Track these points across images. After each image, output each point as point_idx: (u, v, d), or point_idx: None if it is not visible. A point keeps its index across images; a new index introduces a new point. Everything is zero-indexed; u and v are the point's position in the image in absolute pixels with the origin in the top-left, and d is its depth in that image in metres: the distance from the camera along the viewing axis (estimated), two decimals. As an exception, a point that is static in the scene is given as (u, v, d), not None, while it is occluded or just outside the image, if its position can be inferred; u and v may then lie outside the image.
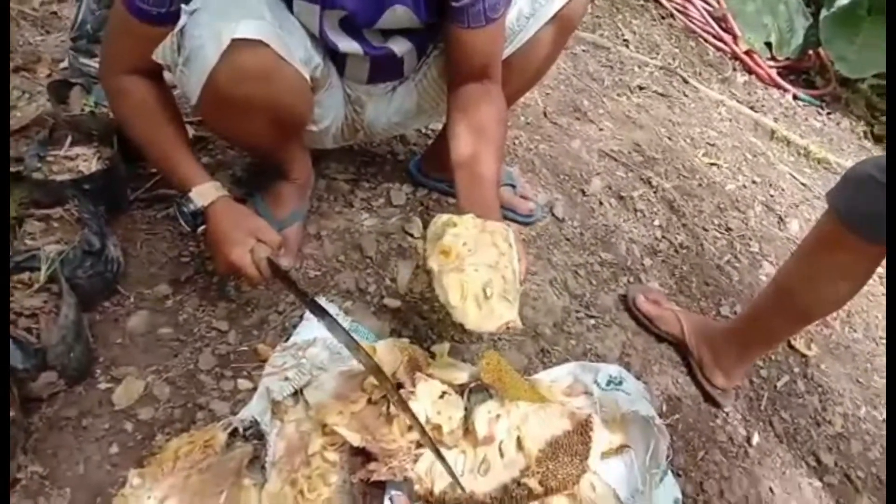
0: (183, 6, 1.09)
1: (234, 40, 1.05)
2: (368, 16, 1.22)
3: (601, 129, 2.16)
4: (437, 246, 1.12)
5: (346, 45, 1.27)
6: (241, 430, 1.11)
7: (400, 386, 1.09)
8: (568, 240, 1.75)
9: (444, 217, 1.16)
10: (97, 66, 1.56)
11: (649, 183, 2.01)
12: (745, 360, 1.53)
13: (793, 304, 1.39)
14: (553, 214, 1.79)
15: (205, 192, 1.20)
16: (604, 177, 1.96)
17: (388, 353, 1.12)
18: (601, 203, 1.89)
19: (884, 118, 3.41)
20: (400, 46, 1.33)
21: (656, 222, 1.91)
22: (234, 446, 1.09)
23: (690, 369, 1.56)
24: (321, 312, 1.13)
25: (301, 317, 1.34)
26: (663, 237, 1.88)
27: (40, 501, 1.05)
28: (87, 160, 1.41)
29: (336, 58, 1.33)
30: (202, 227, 1.21)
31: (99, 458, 1.11)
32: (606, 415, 1.22)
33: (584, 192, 1.89)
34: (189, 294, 1.37)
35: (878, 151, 3.11)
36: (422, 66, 1.45)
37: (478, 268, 1.09)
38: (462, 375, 1.19)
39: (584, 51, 2.50)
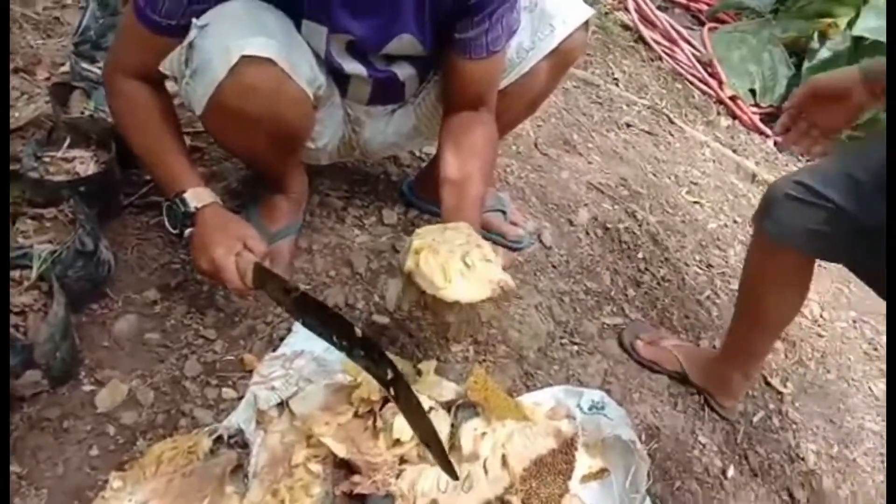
0: (193, 20, 1.11)
1: (242, 56, 1.08)
2: (375, 42, 1.25)
3: (589, 163, 2.21)
4: (409, 252, 1.13)
5: (351, 67, 1.30)
6: (225, 437, 1.11)
7: (387, 401, 1.10)
8: (554, 267, 1.78)
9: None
10: (98, 71, 1.57)
11: (634, 217, 2.05)
12: (748, 378, 1.62)
13: (756, 316, 1.49)
14: (541, 242, 1.82)
15: (200, 195, 1.21)
16: (591, 208, 2.00)
17: (378, 366, 1.13)
18: (587, 233, 1.92)
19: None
20: (403, 71, 1.36)
21: (640, 255, 1.95)
22: (218, 453, 1.09)
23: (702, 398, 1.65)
24: (313, 309, 1.08)
25: (289, 329, 1.34)
26: (646, 269, 1.91)
27: (16, 502, 1.04)
28: (83, 163, 1.42)
29: (339, 78, 1.35)
30: (189, 230, 1.20)
31: (79, 460, 1.11)
32: (588, 439, 1.23)
33: (571, 222, 1.93)
34: (177, 301, 1.37)
35: (854, 200, 3.19)
36: (422, 90, 1.48)
37: (452, 248, 1.11)
38: (448, 393, 1.21)
39: (575, 87, 2.56)
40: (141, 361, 1.27)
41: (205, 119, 1.22)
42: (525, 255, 1.76)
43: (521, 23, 1.33)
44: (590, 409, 1.30)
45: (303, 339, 1.29)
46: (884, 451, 1.89)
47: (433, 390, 1.20)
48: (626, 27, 3.18)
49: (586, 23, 1.42)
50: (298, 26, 1.22)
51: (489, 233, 1.72)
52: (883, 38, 2.80)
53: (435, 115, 1.48)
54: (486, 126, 1.36)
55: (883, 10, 2.84)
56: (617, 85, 2.71)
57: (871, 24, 2.85)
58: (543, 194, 1.98)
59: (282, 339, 1.34)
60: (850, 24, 3.15)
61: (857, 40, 2.97)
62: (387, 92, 1.41)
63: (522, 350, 1.52)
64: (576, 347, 1.60)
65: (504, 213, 1.75)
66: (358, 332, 1.01)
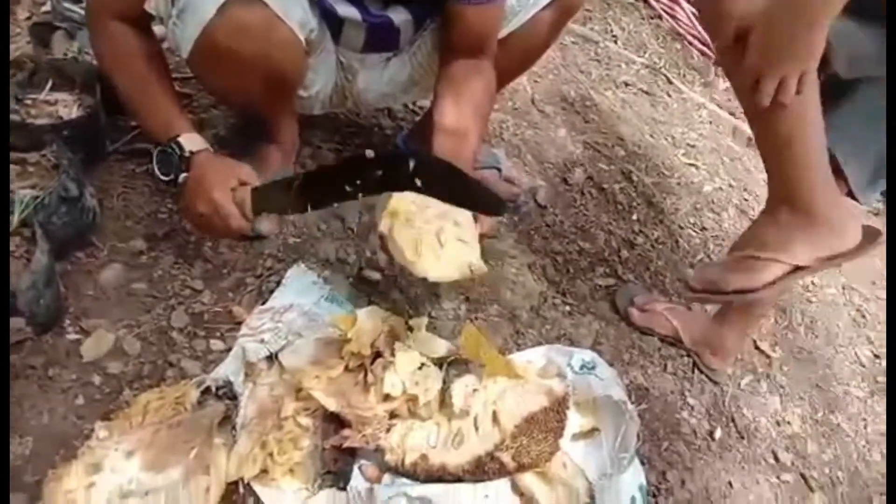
0: None
1: None
2: None
3: (586, 121, 2.17)
4: (384, 211, 1.11)
5: (345, 9, 1.26)
6: (213, 388, 1.10)
7: (379, 355, 1.09)
8: (549, 227, 1.76)
9: None
10: (82, 11, 1.51)
11: (630, 178, 2.03)
12: (743, 337, 1.63)
13: None
14: (535, 201, 1.80)
15: (194, 140, 1.18)
16: (586, 168, 1.97)
17: (369, 321, 1.12)
18: (583, 193, 1.90)
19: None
20: (398, 16, 1.32)
21: (634, 216, 1.93)
22: (205, 404, 1.08)
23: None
24: (320, 180, 1.09)
25: (279, 282, 1.32)
26: (640, 231, 1.90)
27: (-1, 449, 1.02)
28: (66, 106, 1.38)
29: (332, 23, 1.31)
30: (184, 176, 1.17)
31: (64, 409, 1.09)
32: (579, 398, 1.23)
33: (566, 182, 1.90)
34: (165, 251, 1.34)
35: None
36: (417, 38, 1.43)
37: (428, 220, 1.09)
38: (440, 349, 1.19)
39: (573, 43, 2.51)
40: (127, 311, 1.24)
41: (192, 61, 1.17)
42: (520, 214, 1.74)
43: None
44: (581, 368, 1.29)
45: (293, 293, 1.27)
46: (867, 417, 1.92)
47: (425, 346, 1.18)
48: (635, -16, 3.12)
49: None
50: None
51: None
52: None
53: (432, 66, 1.44)
54: (485, 75, 1.33)
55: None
56: (616, 42, 2.65)
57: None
58: (539, 152, 1.95)
59: (271, 292, 1.32)
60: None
61: None
62: (381, 39, 1.37)
63: (515, 309, 1.50)
64: (568, 308, 1.59)
65: (499, 170, 1.73)
66: (368, 153, 1.02)
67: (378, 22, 1.30)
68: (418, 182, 1.02)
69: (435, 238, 1.07)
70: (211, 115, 1.61)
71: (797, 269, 1.31)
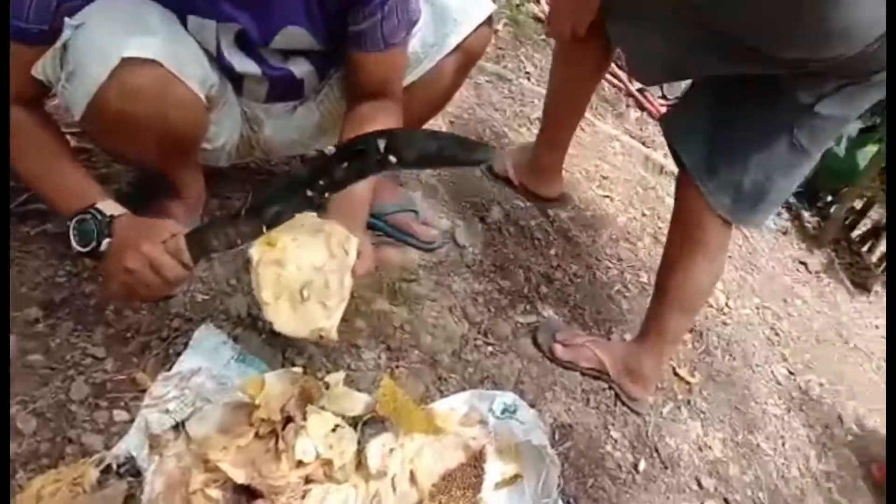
0: (67, 19, 1.02)
1: (123, 59, 1.00)
2: (262, 33, 1.19)
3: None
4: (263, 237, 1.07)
5: (244, 64, 1.24)
6: (114, 466, 1.03)
7: (290, 419, 1.05)
8: (468, 267, 1.76)
9: None
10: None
11: (546, 213, 2.06)
12: (660, 363, 1.67)
13: (667, 294, 1.58)
14: (454, 241, 1.80)
15: (112, 205, 1.12)
16: (503, 205, 1.99)
17: (279, 384, 1.08)
18: (500, 231, 1.91)
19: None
20: (300, 68, 1.31)
21: (552, 251, 1.96)
22: (106, 484, 1.01)
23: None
24: (271, 199, 1.05)
25: (186, 344, 1.27)
26: (559, 266, 1.92)
27: None
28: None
29: (233, 77, 1.28)
30: (108, 241, 1.09)
31: (-52, 500, 1.00)
32: (501, 444, 1.22)
33: (484, 220, 1.91)
34: (63, 317, 1.27)
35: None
36: (323, 86, 1.42)
37: (300, 266, 1.06)
38: (357, 406, 1.16)
39: (487, 81, 2.55)
40: (22, 385, 1.16)
41: (85, 124, 1.13)
42: (439, 255, 1.74)
43: (420, 14, 1.30)
44: (502, 412, 1.29)
45: (200, 356, 1.22)
46: (785, 434, 1.99)
47: (342, 404, 1.15)
48: (537, 19, 3.19)
49: (490, 18, 1.40)
50: (185, 22, 1.14)
51: (400, 234, 1.69)
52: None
53: (340, 112, 1.42)
54: (391, 115, 1.32)
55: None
56: (529, 79, 2.71)
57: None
58: (456, 192, 1.96)
59: (178, 354, 1.26)
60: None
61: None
62: (284, 90, 1.35)
63: (436, 354, 1.49)
64: (490, 348, 1.59)
65: (416, 212, 1.72)
66: (329, 149, 0.97)
67: (279, 75, 1.29)
68: (392, 159, 0.99)
69: (298, 290, 1.04)
70: (112, 169, 1.55)
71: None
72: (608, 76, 3.19)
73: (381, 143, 0.98)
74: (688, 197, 1.49)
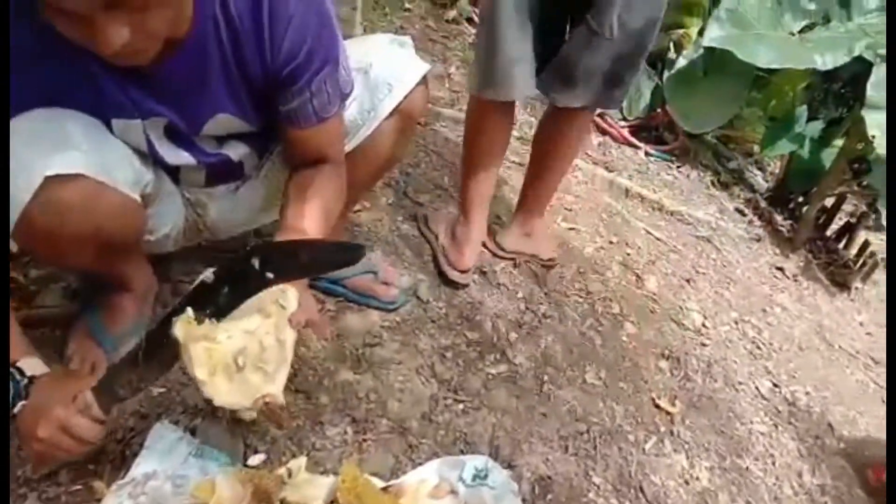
0: None
1: (47, 178, 0.99)
2: (190, 124, 1.18)
3: (462, 205, 2.19)
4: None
5: (176, 157, 1.22)
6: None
7: (245, 521, 1.02)
8: (433, 322, 1.74)
9: None
10: None
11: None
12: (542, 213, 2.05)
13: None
14: (417, 297, 1.78)
15: (33, 363, 1.08)
16: (466, 253, 1.97)
17: (229, 488, 1.05)
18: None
19: (731, 165, 3.69)
20: (237, 151, 1.30)
21: (519, 294, 1.94)
22: None
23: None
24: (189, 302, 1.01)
25: (142, 444, 1.24)
26: (527, 309, 1.91)
27: None
28: None
29: (168, 169, 1.27)
30: (21, 404, 1.04)
31: None
32: (473, 514, 1.19)
33: (447, 271, 1.90)
34: (11, 433, 1.24)
35: (726, 199, 3.34)
36: (265, 162, 1.41)
37: (231, 334, 1.02)
38: (321, 493, 1.13)
39: (443, 126, 2.55)
40: (-27, 508, 1.13)
41: (17, 242, 1.10)
42: (402, 314, 1.71)
43: (353, 85, 1.29)
44: (473, 479, 1.26)
45: (156, 457, 1.18)
46: (774, 451, 1.96)
47: (304, 492, 1.12)
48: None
49: (424, 79, 1.40)
50: (110, 126, 1.13)
51: (361, 297, 1.67)
52: (730, 47, 2.95)
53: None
54: (332, 177, 1.30)
55: (725, 21, 2.98)
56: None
57: (716, 34, 2.98)
58: (417, 246, 1.94)
59: (136, 455, 1.23)
60: (701, 33, 3.30)
61: (710, 49, 3.11)
62: (224, 173, 1.34)
63: (405, 421, 1.46)
64: (461, 406, 1.56)
65: (375, 273, 1.70)
66: (206, 276, 0.99)
67: (215, 161, 1.28)
68: (270, 276, 0.99)
69: (232, 359, 1.01)
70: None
71: None
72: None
73: (256, 262, 0.98)
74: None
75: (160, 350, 1.04)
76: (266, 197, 1.47)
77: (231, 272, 1.01)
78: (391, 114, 1.38)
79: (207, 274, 1.00)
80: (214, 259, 1.64)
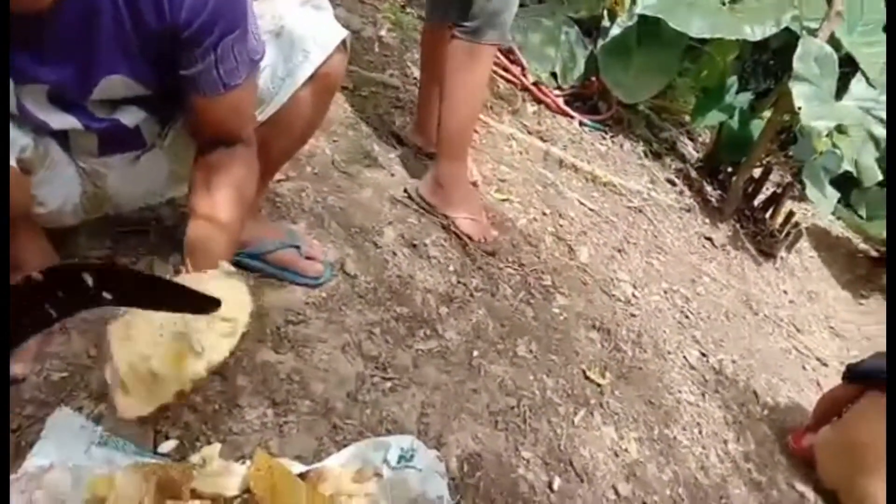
0: None
1: None
2: (77, 89, 1.07)
3: (392, 175, 2.12)
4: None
5: (60, 120, 1.11)
6: None
7: (150, 518, 0.95)
8: (361, 297, 1.68)
9: None
10: None
11: (442, 227, 2.00)
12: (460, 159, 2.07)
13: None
14: (344, 272, 1.71)
15: None
16: (396, 225, 1.92)
17: (132, 480, 0.97)
18: (394, 254, 1.84)
19: (664, 135, 3.72)
20: (131, 117, 1.19)
21: (451, 268, 1.89)
22: None
23: None
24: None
25: (39, 432, 1.14)
26: (458, 282, 1.87)
27: None
28: None
29: (55, 135, 1.16)
30: None
31: None
32: (397, 498, 1.15)
33: (376, 244, 1.83)
34: None
35: (657, 169, 3.37)
36: (168, 131, 1.31)
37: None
38: (234, 482, 1.07)
39: (373, 92, 2.46)
40: None
41: None
42: (328, 290, 1.64)
43: (263, 52, 1.20)
44: (398, 461, 1.22)
45: (54, 447, 1.09)
46: (701, 420, 1.99)
47: (218, 482, 1.06)
48: (423, 19, 3.12)
49: (344, 43, 1.32)
50: None
51: (284, 271, 1.59)
52: (662, 15, 2.94)
53: (192, 156, 1.32)
54: (242, 158, 1.23)
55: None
56: (416, 85, 2.63)
57: (650, 2, 2.98)
58: (345, 218, 1.87)
59: (32, 444, 1.14)
60: (635, 1, 3.28)
61: (643, 17, 3.10)
62: (118, 141, 1.23)
63: (329, 401, 1.40)
64: (389, 384, 1.51)
65: (298, 247, 1.62)
66: (35, 275, 0.88)
67: (105, 126, 1.17)
68: (107, 295, 0.92)
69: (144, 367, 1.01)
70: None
71: None
72: (501, 71, 3.15)
73: (90, 281, 0.90)
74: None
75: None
76: (171, 169, 1.37)
77: (61, 280, 0.91)
78: (308, 80, 1.30)
79: (35, 274, 0.89)
80: (124, 234, 1.54)
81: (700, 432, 1.95)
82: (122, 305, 0.97)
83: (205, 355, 1.05)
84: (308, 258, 1.63)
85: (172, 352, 1.04)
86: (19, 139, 1.07)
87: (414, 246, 1.89)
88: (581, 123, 3.24)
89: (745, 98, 3.54)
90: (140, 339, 1.05)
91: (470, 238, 2.00)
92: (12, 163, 1.04)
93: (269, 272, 1.58)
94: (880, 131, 2.94)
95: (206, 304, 1.00)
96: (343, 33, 1.31)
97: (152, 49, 1.06)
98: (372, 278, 1.74)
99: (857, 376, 1.97)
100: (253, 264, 1.57)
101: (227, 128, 1.20)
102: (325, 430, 1.35)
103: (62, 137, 1.18)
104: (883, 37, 3.07)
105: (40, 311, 0.90)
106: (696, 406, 2.03)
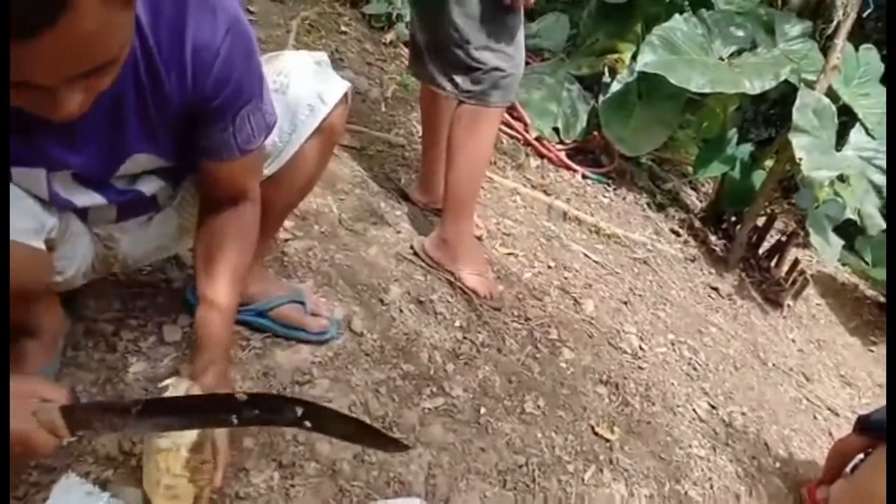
0: None
1: None
2: (104, 169, 1.11)
3: (398, 232, 2.15)
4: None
5: (85, 199, 1.14)
6: None
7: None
8: (367, 355, 1.69)
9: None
10: None
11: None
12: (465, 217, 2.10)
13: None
14: (351, 329, 1.72)
15: None
16: (402, 282, 1.94)
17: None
18: (401, 311, 1.85)
19: (666, 186, 3.76)
20: (150, 186, 1.22)
21: (457, 324, 1.90)
22: None
23: None
24: (167, 408, 1.03)
25: (44, 500, 1.14)
26: (465, 338, 1.87)
27: None
28: None
29: (76, 209, 1.19)
30: None
31: None
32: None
33: (382, 301, 1.85)
34: None
35: (661, 220, 3.39)
36: (180, 191, 1.35)
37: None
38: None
39: (379, 151, 2.52)
40: None
41: None
42: (334, 348, 1.65)
43: (276, 115, 1.24)
44: (405, 524, 1.21)
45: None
46: (712, 475, 1.96)
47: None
48: (426, 79, 3.21)
49: (345, 95, 1.37)
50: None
51: (289, 329, 1.60)
52: (662, 72, 3.01)
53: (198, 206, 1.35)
54: (246, 220, 1.27)
55: (658, 47, 3.05)
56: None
57: (649, 59, 3.05)
58: (351, 275, 1.89)
59: (41, 510, 1.13)
60: (635, 58, 3.37)
61: (643, 73, 3.17)
62: (136, 209, 1.27)
63: (335, 462, 1.40)
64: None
65: (303, 304, 1.64)
66: (240, 397, 0.98)
67: (127, 198, 1.20)
68: (308, 424, 1.01)
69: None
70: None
71: None
72: (504, 127, 3.22)
73: (300, 412, 1.00)
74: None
75: (155, 416, 1.01)
76: (180, 224, 1.40)
77: (268, 407, 1.02)
78: (312, 134, 1.34)
79: (240, 395, 1.00)
80: (133, 296, 1.56)
81: (712, 487, 1.91)
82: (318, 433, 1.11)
83: None
84: (312, 315, 1.64)
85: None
86: (48, 221, 1.09)
87: (420, 302, 1.90)
88: (584, 176, 3.29)
89: (746, 149, 3.59)
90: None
91: (476, 293, 2.02)
92: (40, 245, 1.07)
93: (276, 331, 1.60)
94: (881, 180, 2.97)
95: (392, 445, 1.17)
96: (345, 86, 1.36)
97: (173, 125, 1.09)
98: (378, 336, 1.75)
99: (868, 427, 1.94)
100: (259, 322, 1.58)
101: (237, 186, 1.23)
102: (332, 492, 1.35)
103: (81, 214, 1.21)
104: (879, 88, 3.13)
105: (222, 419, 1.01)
106: (706, 460, 2.01)
